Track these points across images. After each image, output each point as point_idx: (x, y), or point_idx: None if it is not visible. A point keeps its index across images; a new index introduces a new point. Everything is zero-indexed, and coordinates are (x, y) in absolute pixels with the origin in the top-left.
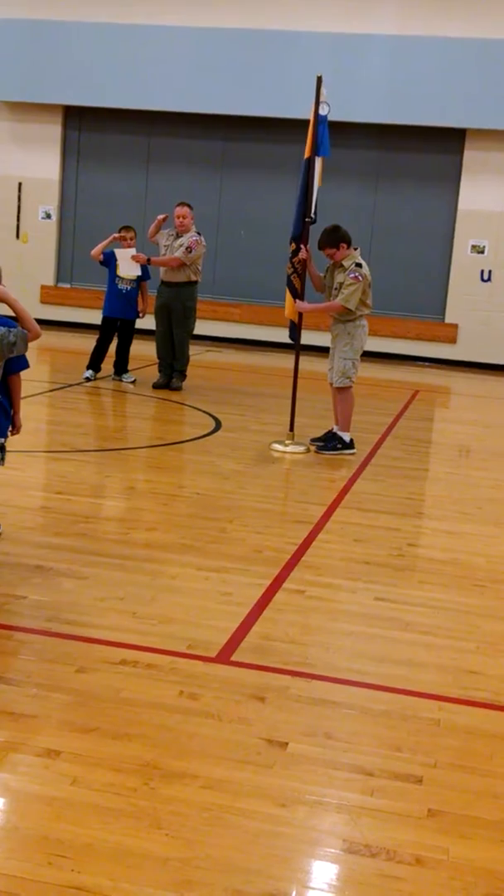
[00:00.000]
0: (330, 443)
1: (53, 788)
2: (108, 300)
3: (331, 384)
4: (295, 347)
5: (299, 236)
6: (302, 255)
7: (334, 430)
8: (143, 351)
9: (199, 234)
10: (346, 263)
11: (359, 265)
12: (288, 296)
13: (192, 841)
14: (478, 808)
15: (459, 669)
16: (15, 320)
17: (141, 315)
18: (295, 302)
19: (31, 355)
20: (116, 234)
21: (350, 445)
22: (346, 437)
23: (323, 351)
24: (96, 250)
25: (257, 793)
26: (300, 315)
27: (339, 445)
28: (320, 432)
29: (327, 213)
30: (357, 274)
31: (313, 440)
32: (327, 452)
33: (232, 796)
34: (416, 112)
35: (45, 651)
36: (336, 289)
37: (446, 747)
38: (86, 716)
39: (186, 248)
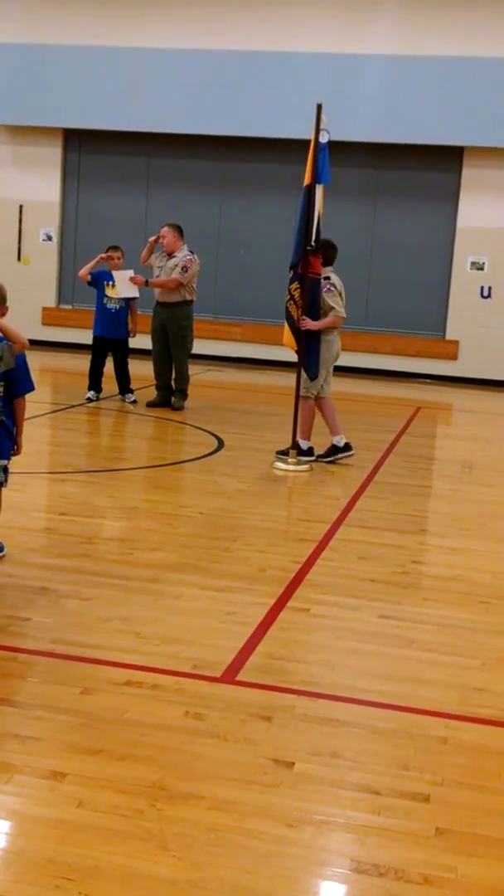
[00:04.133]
0: (330, 455)
1: (59, 811)
2: (97, 320)
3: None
4: (296, 366)
5: (297, 264)
6: (306, 324)
7: (333, 443)
8: (146, 371)
9: (191, 252)
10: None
11: (327, 278)
12: (286, 325)
13: (199, 862)
14: (486, 826)
15: (465, 686)
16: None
17: (132, 335)
18: (300, 321)
19: (32, 376)
20: (104, 255)
21: (309, 453)
22: (304, 444)
23: None
24: (84, 271)
25: (264, 813)
26: (306, 340)
27: (339, 454)
28: (322, 450)
29: (326, 232)
30: (329, 287)
31: (319, 457)
32: (325, 459)
33: (238, 817)
34: (414, 130)
35: (49, 673)
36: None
37: (453, 765)
38: (91, 737)
39: (182, 268)
